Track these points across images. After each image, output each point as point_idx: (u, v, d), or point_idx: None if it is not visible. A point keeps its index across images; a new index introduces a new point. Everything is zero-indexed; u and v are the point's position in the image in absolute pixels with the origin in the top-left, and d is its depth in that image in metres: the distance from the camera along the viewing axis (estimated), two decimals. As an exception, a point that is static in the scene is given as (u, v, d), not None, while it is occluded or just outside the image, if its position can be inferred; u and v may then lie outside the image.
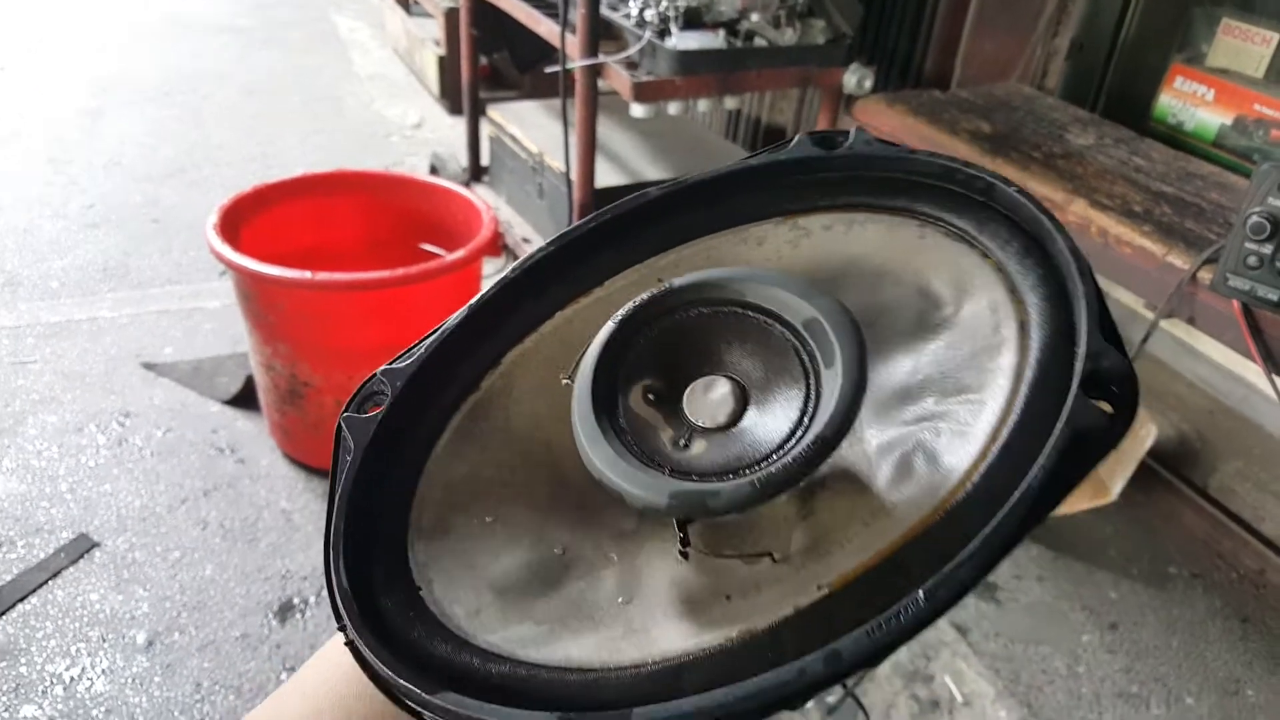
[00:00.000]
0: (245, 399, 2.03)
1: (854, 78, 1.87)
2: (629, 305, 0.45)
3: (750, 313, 0.44)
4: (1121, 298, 2.05)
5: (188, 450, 1.93)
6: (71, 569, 1.65)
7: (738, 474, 0.40)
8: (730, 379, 0.44)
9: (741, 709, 0.34)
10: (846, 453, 0.43)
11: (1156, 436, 1.80)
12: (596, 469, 0.41)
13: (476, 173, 2.85)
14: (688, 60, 1.85)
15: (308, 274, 1.60)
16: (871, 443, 0.43)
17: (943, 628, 1.64)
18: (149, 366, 2.18)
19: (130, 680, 1.47)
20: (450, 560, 0.43)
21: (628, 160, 2.40)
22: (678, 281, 0.45)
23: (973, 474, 0.37)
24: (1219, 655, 1.63)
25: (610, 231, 0.51)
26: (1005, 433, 0.37)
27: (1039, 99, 1.79)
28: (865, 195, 0.48)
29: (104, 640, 1.53)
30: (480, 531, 0.44)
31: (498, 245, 1.98)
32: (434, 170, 2.95)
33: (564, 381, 0.45)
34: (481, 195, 2.73)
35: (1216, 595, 1.74)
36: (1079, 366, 0.36)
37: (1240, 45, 1.71)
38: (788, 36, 1.91)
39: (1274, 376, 1.17)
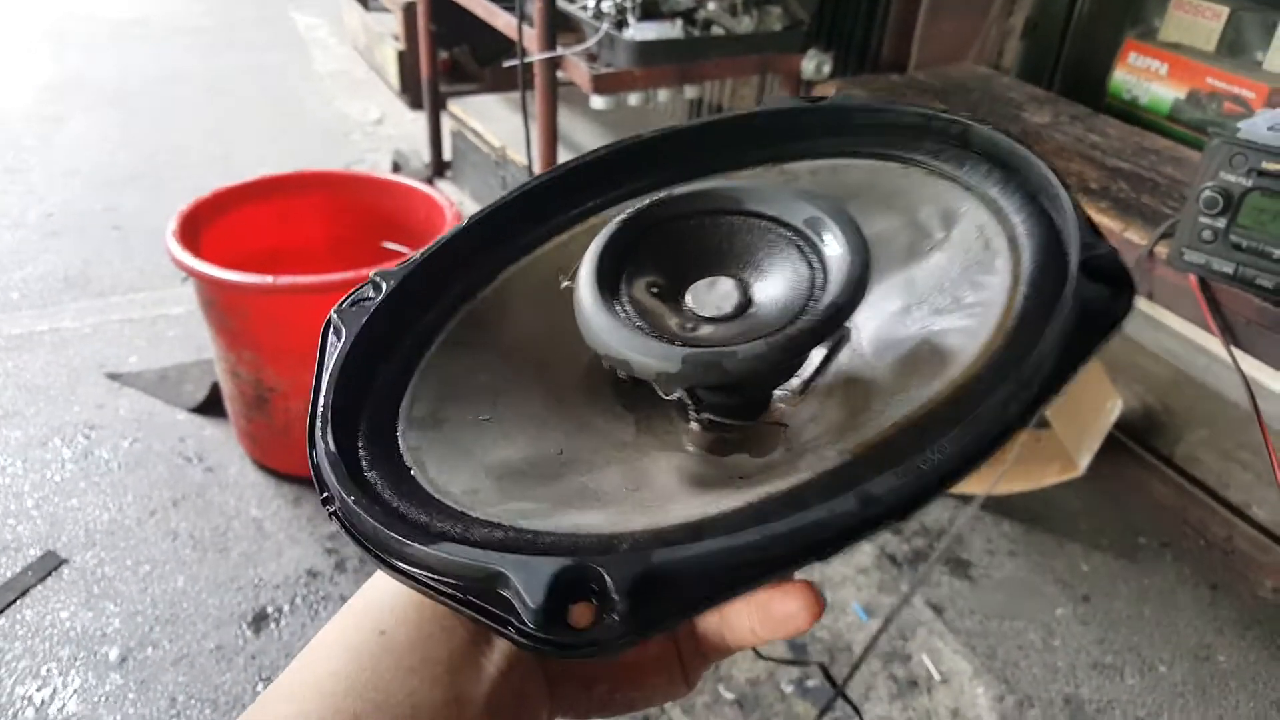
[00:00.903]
0: (212, 406, 2.01)
1: (812, 63, 1.87)
2: (631, 209, 0.45)
3: (750, 217, 0.45)
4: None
5: (155, 460, 1.92)
6: (40, 587, 1.63)
7: (752, 340, 0.39)
8: (733, 277, 0.44)
9: (769, 552, 0.32)
10: (852, 361, 0.45)
11: (1122, 409, 1.82)
12: (601, 341, 0.40)
13: (439, 168, 2.84)
14: (646, 51, 1.84)
15: (269, 278, 1.59)
16: (874, 348, 0.44)
17: (918, 606, 1.65)
18: (113, 377, 2.15)
19: (103, 699, 1.46)
20: (444, 448, 0.42)
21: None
22: (678, 190, 0.46)
23: (984, 356, 0.38)
24: (1190, 622, 1.65)
25: (607, 167, 0.52)
26: (1011, 323, 0.38)
27: (995, 79, 1.79)
28: (847, 144, 0.50)
29: (75, 659, 1.51)
30: (475, 427, 0.44)
31: (461, 242, 1.97)
32: (396, 167, 2.92)
33: (564, 284, 0.44)
34: (445, 191, 2.71)
35: (1186, 563, 1.76)
36: (1073, 257, 0.37)
37: (1191, 20, 1.72)
38: (745, 24, 1.90)
39: (1232, 348, 1.18)
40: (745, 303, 0.43)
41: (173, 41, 4.33)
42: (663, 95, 1.98)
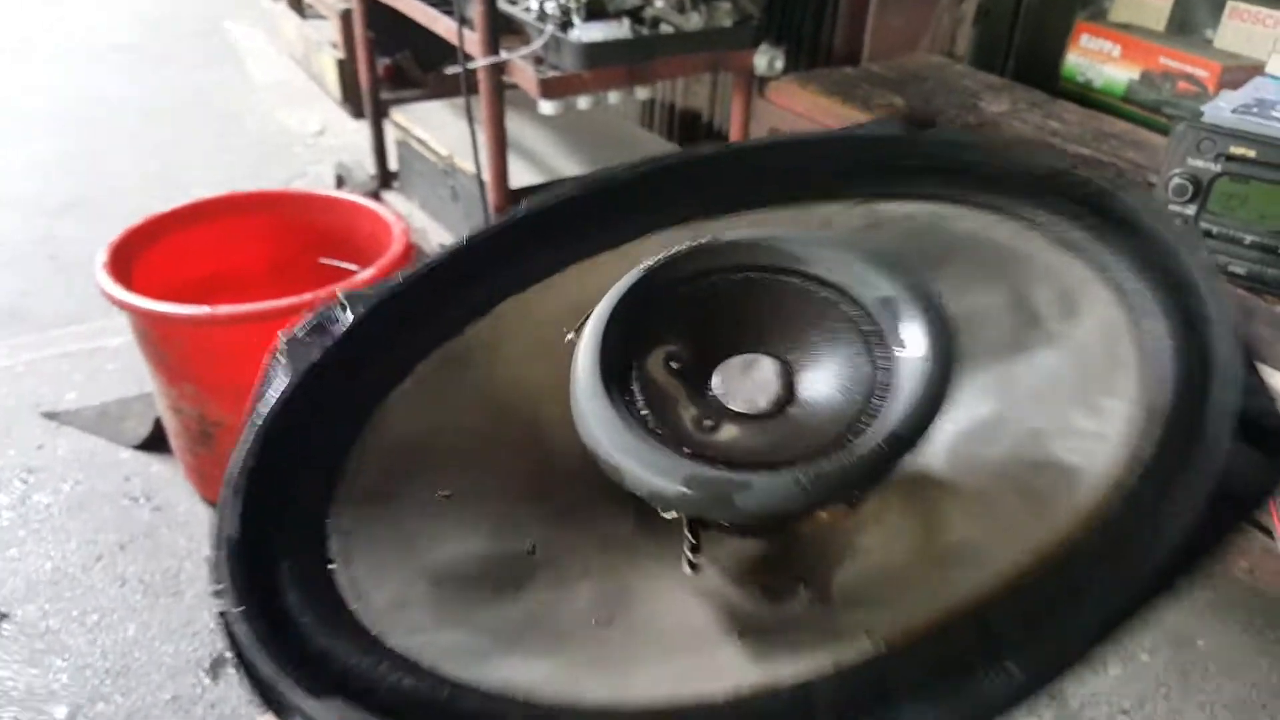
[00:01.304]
0: (157, 441, 1.93)
1: (764, 59, 1.83)
2: (662, 254, 0.36)
3: (810, 284, 0.36)
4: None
5: (99, 502, 1.83)
6: (-20, 644, 1.55)
7: (777, 468, 0.31)
8: (776, 358, 0.35)
9: None
10: (917, 467, 0.35)
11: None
12: (591, 435, 0.32)
13: (385, 179, 2.76)
14: (594, 52, 1.79)
15: (205, 309, 1.51)
16: (949, 463, 0.35)
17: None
18: (51, 416, 2.06)
19: (53, 760, 1.38)
20: (383, 534, 0.34)
21: (543, 157, 2.33)
22: (726, 235, 0.37)
23: (1089, 518, 0.29)
24: (1170, 608, 1.63)
25: (651, 185, 0.43)
26: (1132, 481, 0.30)
27: (949, 67, 1.76)
28: (954, 187, 0.40)
29: (20, 720, 1.44)
30: (431, 506, 0.36)
31: (410, 258, 1.90)
32: (340, 180, 2.84)
33: (568, 338, 0.37)
34: (392, 203, 2.64)
35: (1164, 551, 1.75)
36: (1230, 404, 0.29)
37: (1140, 0, 1.69)
38: (694, 21, 1.85)
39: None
40: (785, 398, 0.35)
41: (104, 60, 4.20)
42: (613, 97, 1.92)
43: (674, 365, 0.36)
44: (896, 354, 0.33)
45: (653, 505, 0.33)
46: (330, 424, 0.36)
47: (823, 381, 0.34)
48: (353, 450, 0.36)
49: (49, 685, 1.48)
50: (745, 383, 0.35)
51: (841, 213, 0.41)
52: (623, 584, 0.34)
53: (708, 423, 0.34)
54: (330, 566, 0.33)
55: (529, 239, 0.42)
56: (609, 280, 0.36)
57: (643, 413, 0.33)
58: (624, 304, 0.35)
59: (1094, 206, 0.37)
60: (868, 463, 0.30)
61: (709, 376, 0.35)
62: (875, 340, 0.34)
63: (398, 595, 0.32)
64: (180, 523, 1.78)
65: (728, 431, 0.34)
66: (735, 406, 0.34)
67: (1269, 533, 1.61)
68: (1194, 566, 0.27)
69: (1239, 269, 1.07)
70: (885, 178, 0.41)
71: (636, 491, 0.31)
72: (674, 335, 0.36)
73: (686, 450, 0.32)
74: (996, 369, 0.36)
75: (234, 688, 1.48)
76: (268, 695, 0.28)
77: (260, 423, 0.35)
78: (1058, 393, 0.34)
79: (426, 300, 0.40)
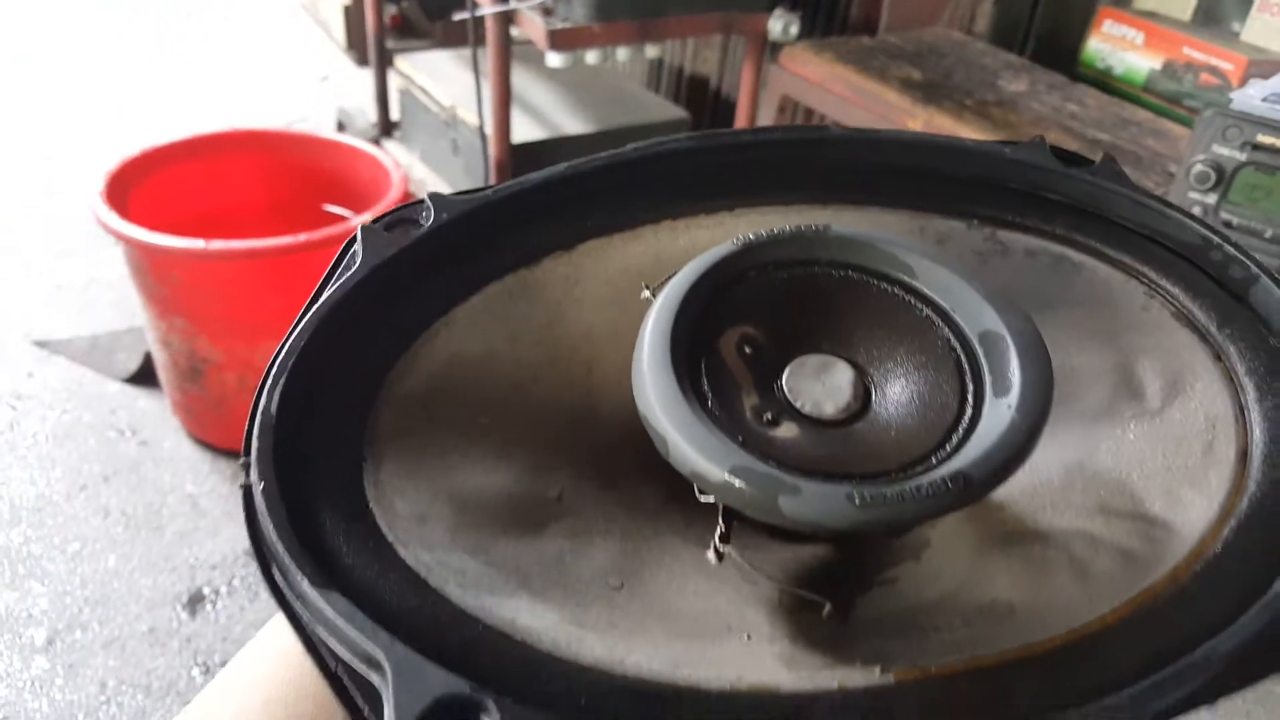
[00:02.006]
0: (146, 376, 1.91)
1: (779, 24, 1.80)
2: (762, 231, 0.34)
3: (912, 298, 0.34)
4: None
5: (85, 433, 1.81)
6: (-41, 568, 1.54)
7: (831, 479, 0.29)
8: (855, 366, 0.33)
9: None
10: (977, 514, 0.34)
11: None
12: (646, 401, 0.30)
13: (386, 128, 2.72)
14: (605, 6, 1.76)
15: (201, 242, 1.49)
16: (1010, 518, 0.33)
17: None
18: (42, 344, 2.04)
19: (29, 683, 1.37)
20: (418, 443, 0.33)
21: (547, 113, 2.30)
22: (836, 228, 0.34)
23: (1135, 606, 0.28)
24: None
25: (768, 155, 0.40)
26: (1187, 579, 0.28)
27: (969, 44, 1.74)
28: (1090, 235, 0.38)
29: (-3, 643, 1.43)
30: (469, 430, 0.34)
31: (410, 206, 1.88)
32: (341, 126, 2.81)
33: (645, 294, 0.35)
34: (392, 152, 2.61)
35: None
36: None
37: (1169, -13, 1.68)
38: (710, -20, 1.82)
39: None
40: (856, 411, 0.32)
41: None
42: (622, 54, 1.89)
43: (747, 350, 0.34)
44: (988, 394, 0.31)
45: (693, 485, 0.31)
46: (390, 324, 0.35)
47: (901, 404, 0.32)
48: (406, 355, 0.35)
49: (29, 609, 1.47)
50: (816, 385, 0.33)
51: (961, 230, 0.39)
52: (642, 553, 0.33)
53: (768, 416, 0.32)
54: (363, 463, 0.31)
55: (628, 182, 0.40)
56: (699, 245, 0.34)
57: (704, 390, 0.32)
58: (710, 274, 0.33)
59: (1234, 289, 0.35)
60: (929, 497, 0.28)
61: (781, 370, 0.33)
62: (970, 374, 0.32)
63: (419, 509, 0.31)
64: (165, 458, 1.76)
65: (787, 429, 0.32)
66: (801, 406, 0.32)
67: None
68: (1242, 677, 0.25)
69: (1252, 261, 1.06)
70: (1018, 205, 0.39)
71: (680, 468, 0.30)
72: (755, 318, 0.34)
73: (740, 439, 0.30)
74: (1084, 432, 0.34)
75: (210, 624, 1.47)
76: (269, 573, 0.28)
77: (321, 305, 0.33)
78: (1140, 473, 0.33)
79: (512, 222, 0.38)
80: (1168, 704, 0.24)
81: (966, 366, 0.32)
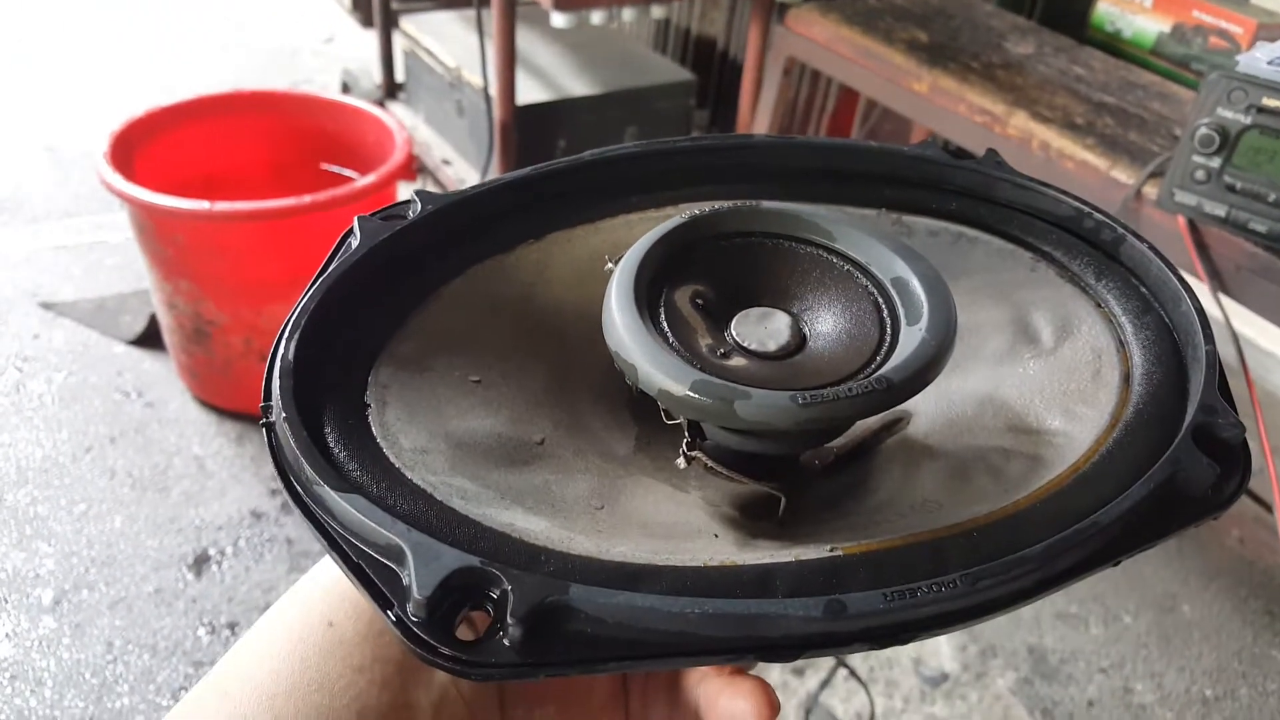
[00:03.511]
0: (152, 338, 1.92)
1: (786, -16, 1.78)
2: (707, 207, 0.40)
3: (834, 257, 0.40)
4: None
5: (91, 395, 1.82)
6: (-33, 527, 1.55)
7: (777, 389, 0.34)
8: (791, 314, 0.39)
9: (701, 634, 0.28)
10: (904, 438, 0.40)
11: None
12: (616, 338, 0.35)
13: (391, 90, 2.71)
14: (610, -34, 1.74)
15: (205, 204, 1.49)
16: (933, 440, 0.39)
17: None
18: (48, 306, 2.04)
19: (37, 643, 1.39)
20: (415, 394, 0.37)
21: (552, 75, 2.28)
22: (767, 204, 0.41)
23: (1041, 495, 0.33)
24: (1156, 572, 1.64)
25: (703, 159, 0.47)
26: (1087, 469, 0.33)
27: (976, 6, 1.72)
28: (982, 215, 0.45)
29: (6, 601, 1.44)
30: (460, 385, 0.39)
31: (412, 168, 1.87)
32: (346, 88, 2.79)
33: (608, 266, 0.39)
34: (397, 114, 2.59)
35: (1151, 510, 1.75)
36: (1190, 415, 0.33)
37: (1181, -53, 1.65)
38: (715, -60, 1.80)
39: (1219, 295, 1.13)
40: (794, 347, 0.38)
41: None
42: (628, 14, 1.88)
43: (699, 302, 0.39)
44: (903, 324, 0.37)
45: (660, 405, 0.36)
46: (386, 298, 0.40)
47: (832, 338, 0.38)
48: (406, 320, 0.40)
49: (36, 569, 1.49)
50: (760, 329, 0.38)
51: (872, 217, 0.46)
52: (618, 485, 0.38)
53: (721, 352, 0.37)
54: (367, 409, 0.36)
55: (586, 182, 0.46)
56: (644, 232, 0.41)
57: (664, 330, 0.37)
58: (663, 243, 0.39)
59: (1106, 249, 0.43)
60: (860, 396, 0.33)
61: (729, 320, 0.39)
62: (887, 311, 0.38)
63: (420, 444, 0.35)
64: (170, 420, 1.77)
65: (737, 362, 0.37)
66: (748, 345, 0.38)
67: (1267, 506, 1.61)
68: (1135, 545, 0.31)
69: (1260, 226, 1.05)
70: (918, 194, 0.46)
71: (648, 389, 0.34)
72: (704, 279, 0.40)
73: (698, 364, 0.35)
74: (990, 372, 0.41)
75: (215, 584, 1.49)
76: (294, 491, 0.32)
77: (328, 277, 0.38)
78: (1041, 398, 0.39)
79: (488, 215, 0.44)
80: (1073, 561, 0.30)
81: (883, 305, 0.38)
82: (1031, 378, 0.40)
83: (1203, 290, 1.14)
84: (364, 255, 0.39)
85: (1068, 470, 0.34)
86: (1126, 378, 0.37)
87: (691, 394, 0.33)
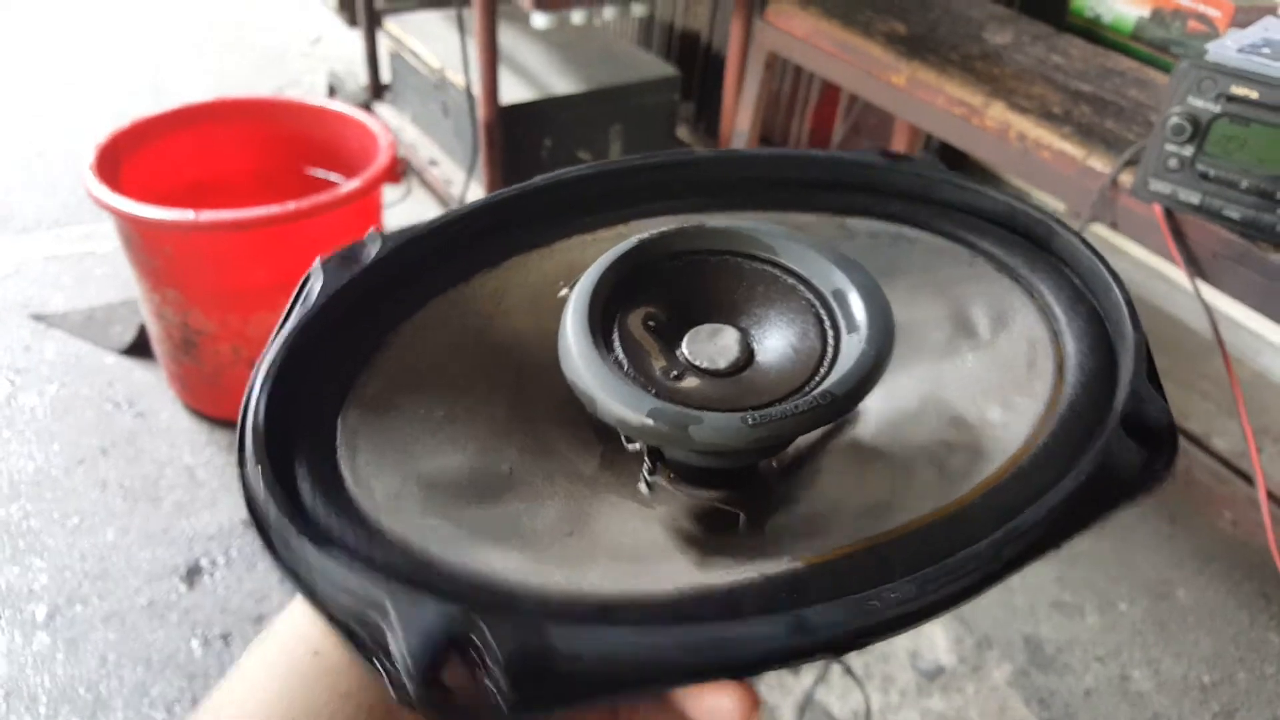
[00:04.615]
0: (142, 348, 1.92)
1: (765, -22, 1.77)
2: (654, 231, 0.42)
3: (778, 271, 0.42)
4: (1045, 203, 2.01)
5: (83, 406, 1.83)
6: (-39, 543, 1.56)
7: (727, 411, 0.36)
8: (739, 329, 0.40)
9: (681, 662, 0.29)
10: (852, 438, 0.42)
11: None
12: (574, 369, 0.37)
13: (377, 91, 2.71)
14: (588, -35, 1.74)
15: (191, 214, 1.49)
16: (878, 440, 0.41)
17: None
18: (38, 318, 2.05)
19: (31, 659, 1.40)
20: (383, 438, 0.39)
21: (536, 74, 2.28)
22: (712, 222, 0.42)
23: (983, 489, 0.35)
24: (1149, 558, 1.64)
25: (650, 177, 0.49)
26: (1025, 461, 0.35)
27: (956, -6, 1.71)
28: (920, 215, 0.47)
29: (0, 618, 1.45)
30: (427, 423, 0.40)
31: (397, 172, 1.87)
32: (332, 90, 2.79)
33: (561, 292, 0.41)
34: (384, 115, 2.60)
35: (1142, 495, 1.75)
36: (1119, 403, 0.35)
37: (1159, -70, 1.64)
38: (693, -65, 1.79)
39: (1196, 281, 1.13)
40: (743, 363, 0.39)
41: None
42: (609, 12, 1.88)
43: (651, 324, 0.41)
44: (843, 334, 0.38)
45: (620, 432, 0.39)
46: (349, 341, 0.41)
47: (778, 352, 0.40)
48: (368, 362, 0.41)
49: (29, 585, 1.50)
50: (710, 346, 0.40)
51: (814, 222, 0.48)
52: (585, 508, 0.39)
53: (674, 374, 0.39)
54: (338, 455, 0.37)
55: (540, 206, 0.47)
56: (603, 252, 0.42)
57: (619, 357, 0.38)
58: (615, 266, 0.40)
59: (1038, 242, 0.45)
60: (805, 412, 0.35)
61: (680, 339, 0.40)
62: (830, 323, 0.40)
63: (393, 489, 0.36)
64: (161, 430, 1.78)
65: (690, 383, 0.39)
66: (699, 364, 0.39)
67: (1248, 479, 1.61)
68: (1071, 532, 0.32)
69: (1233, 213, 1.05)
70: (858, 198, 0.48)
71: (607, 419, 0.36)
72: (655, 300, 0.41)
73: (653, 390, 0.37)
74: (930, 367, 0.42)
75: (208, 595, 1.49)
76: (273, 547, 0.32)
77: (290, 329, 0.39)
78: (979, 390, 0.41)
79: (445, 246, 0.45)
80: (1014, 553, 0.31)
81: (825, 316, 0.40)
82: (970, 371, 0.41)
83: (1181, 277, 1.14)
84: (324, 302, 0.40)
85: (1007, 463, 0.35)
86: (1060, 367, 0.39)
87: (648, 421, 0.35)
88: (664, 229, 0.42)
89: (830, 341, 0.39)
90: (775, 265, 0.41)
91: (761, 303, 0.41)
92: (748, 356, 0.40)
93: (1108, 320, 0.40)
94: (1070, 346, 0.39)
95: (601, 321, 0.39)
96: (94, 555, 1.55)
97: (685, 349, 0.40)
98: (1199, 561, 1.64)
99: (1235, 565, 1.63)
